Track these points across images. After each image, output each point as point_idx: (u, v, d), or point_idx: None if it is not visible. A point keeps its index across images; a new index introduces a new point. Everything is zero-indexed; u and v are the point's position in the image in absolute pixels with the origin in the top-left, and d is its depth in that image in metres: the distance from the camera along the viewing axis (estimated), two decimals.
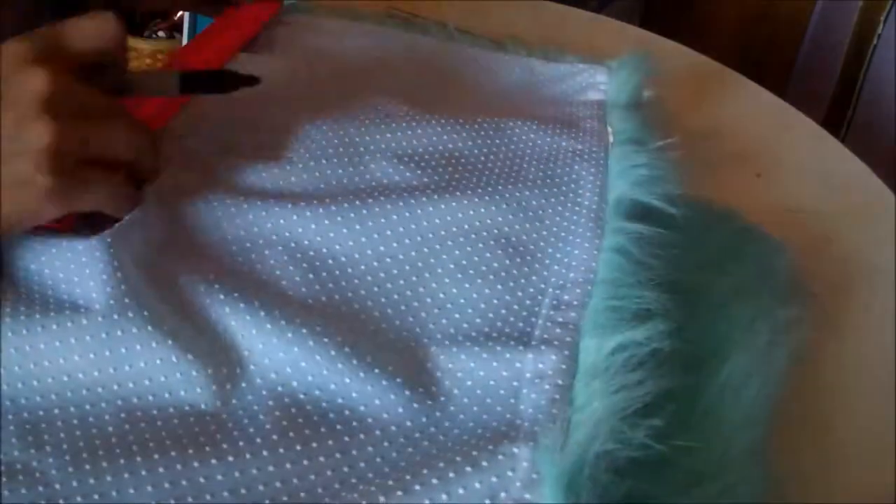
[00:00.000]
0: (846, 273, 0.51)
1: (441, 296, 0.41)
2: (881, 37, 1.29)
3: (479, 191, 0.46)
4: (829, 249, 0.53)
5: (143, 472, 0.32)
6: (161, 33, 1.32)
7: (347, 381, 0.37)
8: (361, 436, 0.35)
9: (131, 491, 0.32)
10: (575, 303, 0.40)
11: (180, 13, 1.32)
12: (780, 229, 0.50)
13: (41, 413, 0.34)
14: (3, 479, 0.31)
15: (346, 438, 0.35)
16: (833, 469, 0.40)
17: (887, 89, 1.27)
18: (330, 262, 0.42)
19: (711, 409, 0.38)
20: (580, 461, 0.31)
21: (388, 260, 0.42)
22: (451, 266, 0.42)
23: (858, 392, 0.44)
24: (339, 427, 0.35)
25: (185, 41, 1.17)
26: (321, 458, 0.34)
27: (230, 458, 0.33)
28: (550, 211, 0.46)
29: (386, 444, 0.35)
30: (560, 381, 0.35)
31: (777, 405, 0.39)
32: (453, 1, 0.76)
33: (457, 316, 0.40)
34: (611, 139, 0.51)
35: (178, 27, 1.35)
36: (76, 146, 0.37)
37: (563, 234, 0.44)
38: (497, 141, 0.51)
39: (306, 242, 0.43)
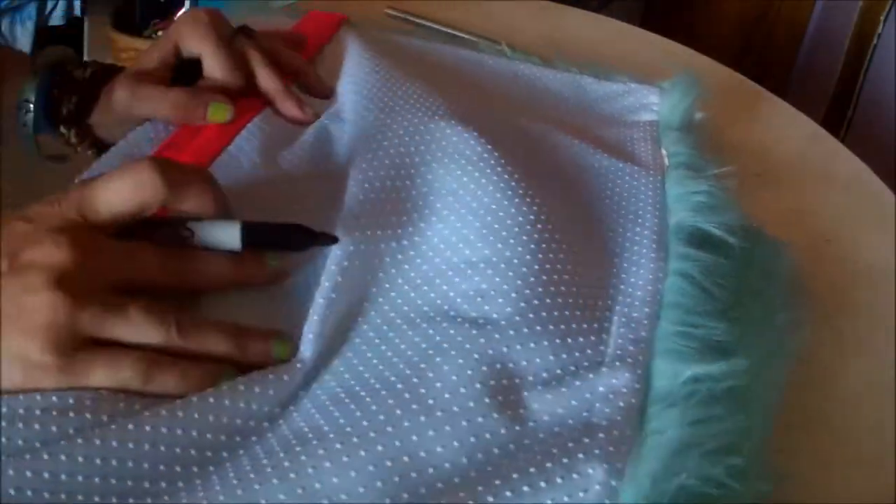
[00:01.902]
0: (846, 273, 0.51)
1: (522, 304, 0.40)
2: (881, 37, 1.29)
3: (543, 205, 0.45)
4: (829, 249, 0.53)
5: (165, 498, 0.32)
6: (161, 34, 1.32)
7: (416, 380, 0.36)
8: (430, 433, 0.34)
9: None
10: (645, 321, 0.39)
11: (180, 13, 1.31)
12: (780, 229, 0.50)
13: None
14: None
15: (414, 437, 0.34)
16: (833, 469, 0.40)
17: (887, 89, 1.27)
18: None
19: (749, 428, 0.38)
20: (659, 495, 0.30)
21: (455, 260, 0.42)
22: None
23: (859, 392, 0.44)
24: (405, 423, 0.34)
25: None
26: (387, 463, 0.33)
27: (292, 476, 0.32)
28: (614, 226, 0.45)
29: (459, 447, 0.33)
30: (633, 400, 0.35)
31: (778, 405, 0.39)
32: (453, 1, 0.76)
33: (538, 328, 0.39)
34: (665, 162, 0.51)
35: None
36: (87, 327, 0.34)
37: (626, 254, 0.43)
38: (559, 158, 0.50)
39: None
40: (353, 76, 0.55)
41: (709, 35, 1.52)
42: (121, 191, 0.36)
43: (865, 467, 0.40)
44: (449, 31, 0.72)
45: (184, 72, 0.52)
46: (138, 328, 0.35)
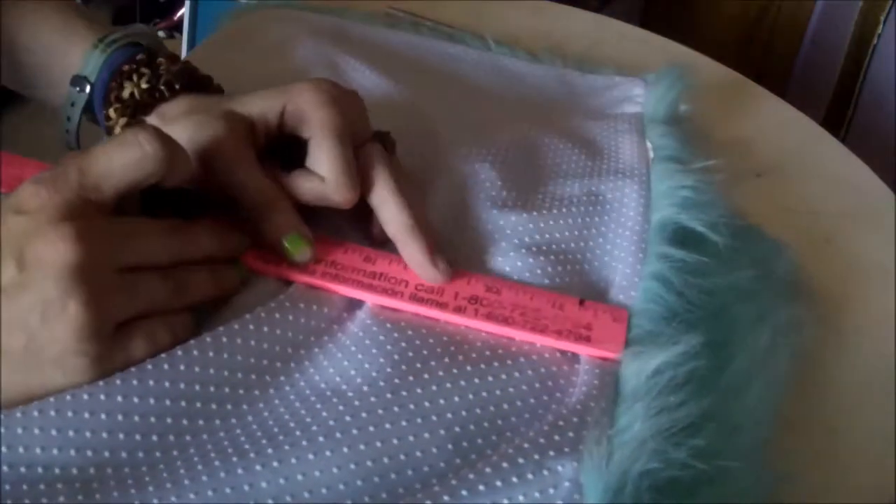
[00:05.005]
0: (846, 273, 0.51)
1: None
2: (881, 37, 1.29)
3: (528, 207, 0.46)
4: (829, 249, 0.53)
5: (186, 482, 0.32)
6: (161, 33, 1.32)
7: (397, 381, 0.36)
8: (411, 438, 0.34)
9: (173, 499, 0.31)
10: None
11: (180, 13, 1.32)
12: (781, 229, 0.50)
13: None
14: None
15: (395, 440, 0.34)
16: (833, 469, 0.40)
17: (887, 89, 1.27)
18: None
19: (714, 410, 0.38)
20: (622, 481, 0.31)
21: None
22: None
23: (859, 392, 0.44)
24: (387, 425, 0.34)
25: (184, 40, 1.17)
26: (368, 463, 0.33)
27: (275, 464, 0.33)
28: (594, 231, 0.45)
29: (438, 452, 0.34)
30: (604, 403, 0.36)
31: (778, 405, 0.39)
32: (453, 1, 0.76)
33: (513, 349, 0.39)
34: (650, 154, 0.51)
35: (177, 27, 1.35)
36: (114, 316, 0.33)
37: (605, 257, 0.44)
38: (540, 157, 0.50)
39: None
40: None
41: (709, 35, 1.52)
42: (123, 164, 0.33)
43: (865, 467, 0.40)
44: (448, 30, 0.72)
45: (280, 148, 0.42)
46: (156, 297, 0.35)
